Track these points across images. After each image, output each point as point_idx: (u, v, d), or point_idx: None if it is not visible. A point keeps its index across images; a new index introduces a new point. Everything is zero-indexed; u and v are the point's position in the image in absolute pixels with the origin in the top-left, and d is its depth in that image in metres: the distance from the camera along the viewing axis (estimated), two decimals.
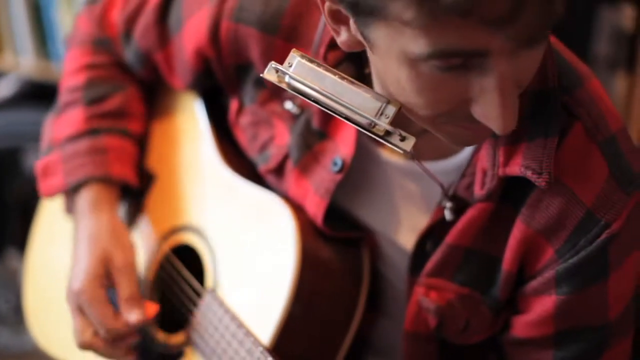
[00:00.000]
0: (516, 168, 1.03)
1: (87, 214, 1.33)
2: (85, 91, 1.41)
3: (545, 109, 1.03)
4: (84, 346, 1.27)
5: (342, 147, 1.16)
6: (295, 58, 1.00)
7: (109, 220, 1.33)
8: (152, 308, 1.29)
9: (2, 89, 2.32)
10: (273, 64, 1.01)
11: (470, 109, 0.91)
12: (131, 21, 1.36)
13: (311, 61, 1.00)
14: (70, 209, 1.39)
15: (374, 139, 0.99)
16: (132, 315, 1.25)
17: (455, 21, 0.82)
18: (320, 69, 0.99)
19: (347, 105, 0.98)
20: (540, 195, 1.05)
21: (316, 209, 1.20)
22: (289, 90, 1.01)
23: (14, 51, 2.34)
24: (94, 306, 1.25)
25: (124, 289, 1.28)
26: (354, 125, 0.99)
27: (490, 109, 0.89)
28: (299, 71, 1.00)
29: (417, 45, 0.86)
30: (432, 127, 0.98)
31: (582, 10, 1.92)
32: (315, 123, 1.19)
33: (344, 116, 0.99)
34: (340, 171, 1.16)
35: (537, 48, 0.89)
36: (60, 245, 1.47)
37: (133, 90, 1.44)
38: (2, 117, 2.25)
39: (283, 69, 1.00)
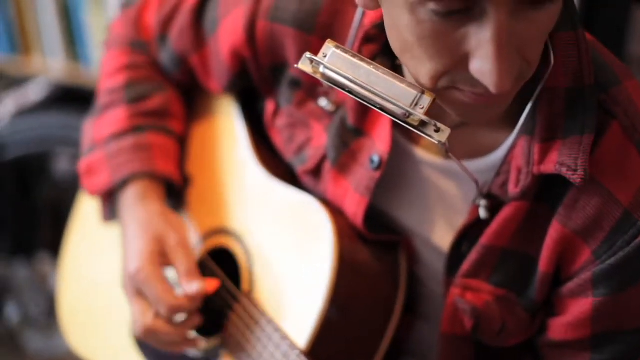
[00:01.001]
0: (551, 166, 1.02)
1: (133, 206, 1.33)
2: (126, 90, 1.40)
3: (580, 106, 1.02)
4: (146, 331, 1.24)
5: (379, 143, 1.16)
6: (330, 48, 1.00)
7: (158, 207, 1.33)
8: (213, 283, 1.27)
9: (31, 93, 2.33)
10: (308, 54, 1.00)
11: (469, 66, 0.90)
12: (166, 23, 1.37)
13: (346, 52, 0.99)
14: (108, 215, 1.39)
15: (409, 132, 0.99)
16: (193, 286, 1.23)
17: None
18: (355, 59, 0.98)
19: (381, 95, 0.97)
20: (577, 195, 1.04)
21: (357, 207, 1.19)
22: (323, 81, 1.00)
23: (43, 54, 2.34)
24: (153, 283, 1.23)
25: (182, 264, 1.26)
26: (388, 116, 0.98)
27: (485, 62, 0.88)
28: (333, 61, 0.99)
29: None
30: (438, 95, 0.96)
31: (617, 10, 1.90)
32: (351, 120, 1.18)
33: (378, 106, 0.98)
34: (378, 168, 1.16)
35: (540, 11, 0.89)
36: (95, 249, 1.47)
37: (172, 91, 1.44)
38: (32, 121, 2.25)
39: (318, 59, 0.99)
